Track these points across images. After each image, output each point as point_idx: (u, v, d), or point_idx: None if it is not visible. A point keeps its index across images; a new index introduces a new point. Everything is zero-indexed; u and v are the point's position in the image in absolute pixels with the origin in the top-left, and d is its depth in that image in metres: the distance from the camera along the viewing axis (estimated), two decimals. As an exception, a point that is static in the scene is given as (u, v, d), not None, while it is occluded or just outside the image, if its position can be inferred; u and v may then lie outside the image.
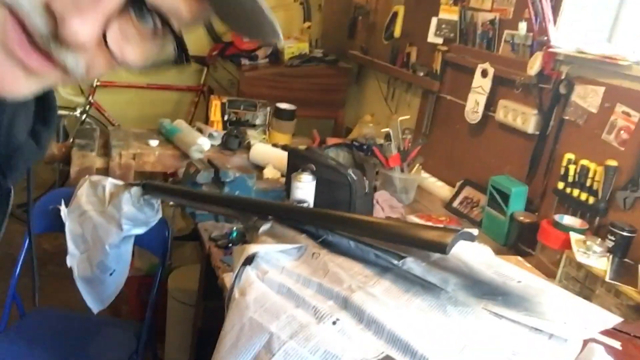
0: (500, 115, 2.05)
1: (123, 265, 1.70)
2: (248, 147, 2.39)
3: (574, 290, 1.43)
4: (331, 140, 2.46)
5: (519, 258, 1.68)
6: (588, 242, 1.54)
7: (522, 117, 1.96)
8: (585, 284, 1.49)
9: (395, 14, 2.82)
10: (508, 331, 0.88)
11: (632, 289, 1.40)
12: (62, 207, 1.71)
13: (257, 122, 2.65)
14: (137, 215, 1.60)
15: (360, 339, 0.86)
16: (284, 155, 2.19)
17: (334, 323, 0.88)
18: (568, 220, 1.68)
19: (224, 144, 2.38)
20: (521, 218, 1.83)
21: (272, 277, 1.00)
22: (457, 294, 0.97)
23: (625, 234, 1.52)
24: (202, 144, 2.22)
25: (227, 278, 1.49)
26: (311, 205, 1.68)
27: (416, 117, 2.64)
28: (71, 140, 2.41)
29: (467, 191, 2.21)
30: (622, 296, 1.40)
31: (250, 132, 2.51)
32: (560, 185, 1.76)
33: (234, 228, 1.68)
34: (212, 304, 2.10)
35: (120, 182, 1.67)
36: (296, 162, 1.87)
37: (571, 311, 0.96)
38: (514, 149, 2.03)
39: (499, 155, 2.11)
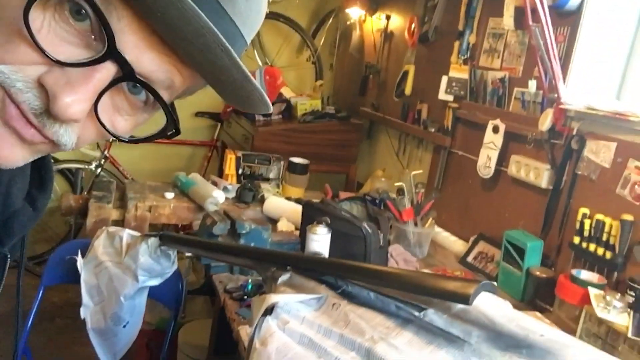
0: (512, 170, 2.07)
1: (137, 317, 1.68)
2: (262, 200, 2.41)
3: (595, 347, 1.40)
4: (344, 194, 2.48)
5: (538, 314, 1.66)
6: (608, 297, 1.52)
7: (534, 172, 1.98)
8: (607, 341, 1.46)
9: (406, 73, 2.91)
10: (535, 385, 0.86)
11: (656, 346, 1.37)
12: (79, 258, 1.72)
13: (271, 175, 2.69)
14: (153, 266, 1.60)
15: (384, 391, 0.84)
16: (297, 208, 2.21)
17: (357, 374, 0.87)
18: (586, 275, 1.66)
19: (238, 197, 2.40)
20: (538, 273, 1.82)
21: (293, 327, 0.99)
22: (480, 347, 0.95)
23: (645, 289, 1.50)
24: (217, 197, 2.24)
25: (243, 331, 1.48)
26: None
27: (428, 172, 2.67)
28: (86, 192, 2.45)
29: (481, 246, 2.20)
30: (646, 353, 1.37)
31: (264, 186, 2.54)
32: (576, 239, 1.76)
33: (249, 280, 1.67)
34: (223, 360, 2.07)
35: (137, 233, 1.68)
36: (311, 215, 1.89)
37: (597, 365, 0.94)
38: (528, 203, 2.04)
39: (513, 210, 2.12)
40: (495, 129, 2.17)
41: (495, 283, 1.27)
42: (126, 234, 1.70)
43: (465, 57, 2.44)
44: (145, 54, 0.44)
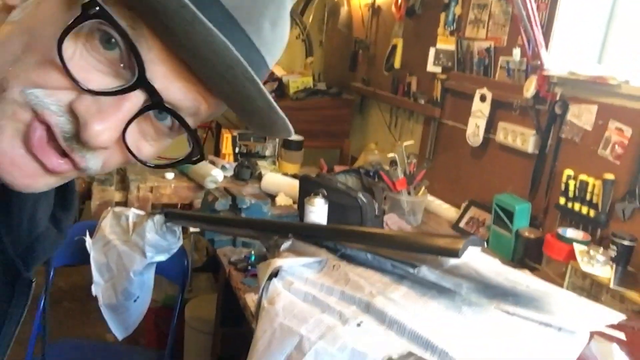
0: (500, 137, 2.15)
1: (146, 291, 1.76)
2: (259, 177, 2.48)
3: (580, 298, 1.50)
4: (339, 168, 2.56)
5: (527, 271, 1.74)
6: (591, 252, 1.61)
7: (521, 137, 2.05)
8: (591, 292, 1.55)
9: (394, 47, 2.96)
10: (519, 326, 0.95)
11: (636, 294, 1.47)
12: (87, 238, 1.79)
13: (267, 153, 2.75)
14: (159, 242, 1.67)
15: (383, 338, 0.92)
16: (294, 183, 2.28)
17: (358, 325, 0.95)
18: (571, 233, 1.75)
19: (236, 175, 2.47)
20: (526, 234, 1.91)
21: (298, 287, 1.07)
22: (470, 296, 1.04)
23: (626, 243, 1.59)
24: (216, 175, 2.31)
25: (249, 298, 1.56)
26: (325, 227, 1.75)
27: (419, 143, 2.74)
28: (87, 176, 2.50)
29: (473, 211, 2.29)
30: (627, 301, 1.47)
31: (261, 163, 2.61)
32: (562, 200, 1.84)
33: (252, 252, 1.75)
34: (230, 331, 2.16)
35: (142, 212, 1.75)
36: (308, 188, 1.96)
37: (578, 308, 1.03)
38: (516, 168, 2.12)
39: (502, 175, 2.20)
40: (483, 98, 2.24)
41: (482, 238, 1.36)
42: (132, 213, 1.77)
43: (452, 28, 2.49)
44: (173, 84, 0.44)
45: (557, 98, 1.90)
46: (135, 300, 1.74)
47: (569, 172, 1.83)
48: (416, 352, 0.92)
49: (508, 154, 2.16)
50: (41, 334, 1.99)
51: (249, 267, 1.68)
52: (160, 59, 0.43)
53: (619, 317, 1.07)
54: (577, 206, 1.79)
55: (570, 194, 1.81)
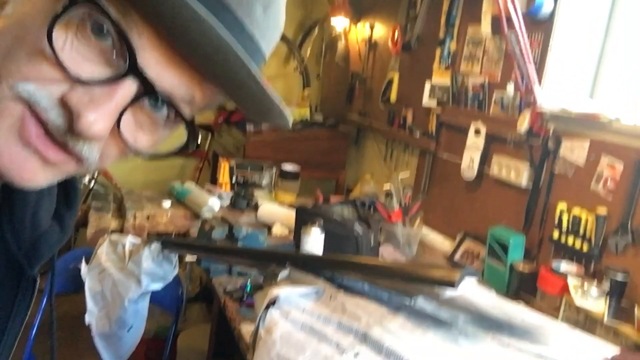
0: (494, 170, 2.18)
1: (140, 320, 1.75)
2: (256, 206, 2.49)
3: (575, 332, 1.50)
4: (335, 199, 2.58)
5: (522, 303, 1.75)
6: (585, 286, 1.62)
7: (515, 171, 2.08)
8: (585, 326, 1.56)
9: (390, 81, 3.02)
10: (515, 357, 0.96)
11: (630, 329, 1.47)
12: (83, 265, 1.79)
13: (264, 182, 2.77)
14: (156, 270, 1.67)
15: (380, 368, 0.93)
16: (290, 213, 2.29)
17: (355, 355, 0.96)
18: (565, 266, 1.76)
19: (232, 204, 2.48)
20: (520, 267, 1.92)
21: (295, 316, 1.08)
22: (466, 328, 1.05)
23: (619, 279, 1.60)
24: (213, 205, 2.32)
25: (244, 328, 1.55)
26: (321, 257, 1.76)
27: (415, 175, 2.77)
28: (83, 203, 2.51)
29: (467, 244, 2.30)
30: (621, 336, 1.47)
31: (257, 192, 2.63)
32: (556, 234, 1.86)
33: (248, 281, 1.75)
34: (223, 362, 2.14)
35: (139, 240, 1.76)
36: (304, 218, 1.97)
37: (573, 341, 1.04)
38: (510, 201, 2.15)
39: (496, 208, 2.22)
40: (477, 132, 2.28)
41: (476, 270, 1.37)
42: (128, 241, 1.78)
43: (447, 63, 2.55)
44: (166, 71, 0.44)
45: (550, 133, 1.94)
46: (129, 330, 1.73)
47: (562, 206, 1.85)
48: (413, 383, 0.93)
49: (502, 188, 2.18)
50: (32, 363, 1.96)
51: (245, 297, 1.68)
52: (152, 46, 0.42)
53: (613, 350, 1.08)
54: (570, 240, 1.81)
55: (564, 228, 1.83)
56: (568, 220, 1.82)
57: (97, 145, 0.45)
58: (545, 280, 1.76)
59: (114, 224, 2.25)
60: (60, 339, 3.20)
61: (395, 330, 1.04)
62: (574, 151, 1.86)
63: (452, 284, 1.02)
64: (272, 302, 1.16)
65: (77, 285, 1.90)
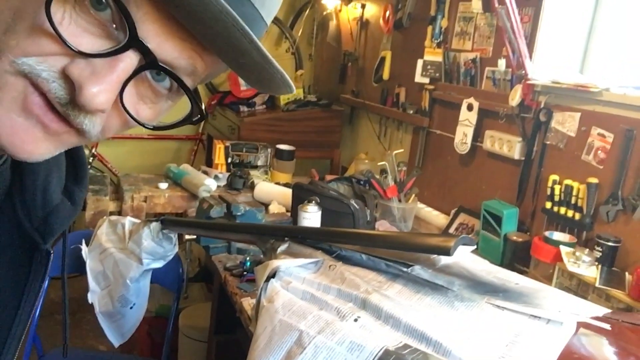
0: (487, 144, 2.21)
1: (142, 298, 1.78)
2: (252, 186, 2.52)
3: (567, 297, 1.54)
4: (330, 178, 2.60)
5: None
6: (577, 253, 1.66)
7: (507, 144, 2.11)
8: (577, 292, 1.60)
9: (383, 59, 3.02)
10: (510, 319, 0.99)
11: (621, 293, 1.51)
12: (83, 247, 1.81)
13: (259, 163, 2.79)
14: (156, 249, 1.70)
15: (380, 331, 0.96)
16: (287, 192, 2.32)
17: (355, 320, 0.98)
18: (558, 236, 1.80)
19: (229, 185, 2.50)
20: (514, 238, 1.96)
21: (295, 286, 1.11)
22: (462, 292, 1.08)
23: (610, 244, 1.64)
24: (210, 185, 2.34)
25: (245, 302, 1.59)
26: (318, 233, 1.79)
27: (409, 152, 2.80)
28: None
29: (462, 218, 2.34)
30: (612, 300, 1.52)
31: (253, 173, 2.65)
32: (548, 204, 1.90)
33: (247, 258, 1.78)
34: (225, 338, 2.18)
35: (138, 220, 1.78)
36: (301, 195, 2.00)
37: (565, 302, 1.08)
38: (503, 174, 2.18)
39: (489, 182, 2.26)
40: (470, 107, 2.30)
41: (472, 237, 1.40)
42: (128, 221, 1.80)
43: (439, 40, 2.56)
44: (167, 42, 0.44)
45: (542, 106, 1.97)
46: (131, 307, 1.76)
47: (554, 177, 1.88)
48: (412, 344, 0.96)
49: (495, 161, 2.21)
50: (36, 345, 1.99)
51: (245, 273, 1.71)
52: (151, 17, 0.42)
53: (603, 310, 1.12)
54: (562, 210, 1.85)
55: (556, 198, 1.87)
56: (560, 191, 1.86)
57: (100, 118, 0.45)
58: (538, 249, 1.80)
59: (112, 206, 2.27)
60: (59, 322, 3.22)
61: (394, 296, 1.07)
62: (565, 123, 1.89)
63: (447, 251, 1.05)
64: (273, 274, 1.19)
65: (78, 266, 1.92)
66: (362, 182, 2.41)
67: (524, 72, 2.00)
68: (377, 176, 2.41)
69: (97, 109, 0.43)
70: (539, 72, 1.99)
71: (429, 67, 2.61)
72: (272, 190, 2.44)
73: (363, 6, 3.32)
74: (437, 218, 2.45)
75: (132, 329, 1.82)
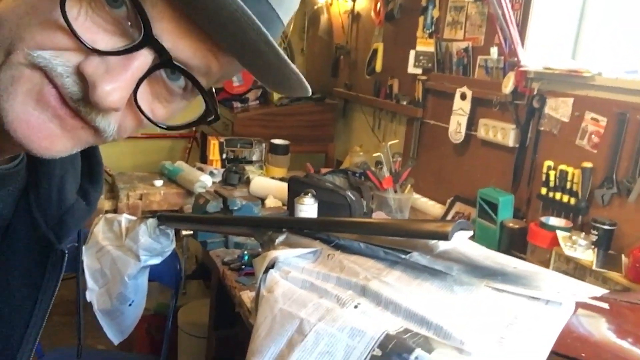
0: (481, 132, 2.21)
1: (141, 295, 1.78)
2: (247, 181, 2.51)
3: (565, 281, 1.55)
4: (325, 170, 2.60)
5: (513, 259, 1.80)
6: (574, 238, 1.67)
7: (501, 132, 2.12)
8: (575, 275, 1.61)
9: (375, 51, 3.02)
10: (509, 301, 1.00)
11: (618, 275, 1.53)
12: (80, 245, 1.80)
13: (254, 158, 2.79)
14: (153, 245, 1.69)
15: (380, 317, 0.96)
16: (283, 186, 2.31)
17: (355, 307, 0.99)
18: (554, 221, 1.81)
19: (224, 180, 2.50)
20: (510, 225, 1.96)
21: (295, 275, 1.11)
22: (461, 277, 1.08)
23: (606, 227, 1.65)
24: (205, 181, 2.34)
25: (245, 295, 1.59)
26: (315, 225, 1.79)
27: (403, 143, 2.80)
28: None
29: (458, 207, 2.35)
30: (609, 282, 1.53)
31: (248, 168, 2.64)
32: (543, 190, 1.91)
33: (245, 252, 1.78)
34: (224, 334, 2.18)
35: (134, 217, 1.77)
36: (297, 189, 2.00)
37: (564, 284, 1.08)
38: (498, 162, 2.19)
39: (484, 170, 2.26)
40: (463, 96, 2.30)
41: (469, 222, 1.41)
42: (124, 218, 1.79)
43: (430, 31, 2.56)
44: (182, 41, 0.43)
45: (535, 93, 1.97)
46: (130, 304, 1.75)
47: (549, 163, 1.89)
48: (412, 328, 0.97)
49: (490, 149, 2.22)
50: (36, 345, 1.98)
51: (243, 267, 1.71)
52: (166, 16, 0.42)
53: (601, 290, 1.13)
54: (558, 195, 1.85)
55: (551, 184, 1.87)
56: (555, 176, 1.86)
57: (114, 116, 0.45)
58: (535, 235, 1.81)
59: (107, 204, 2.26)
60: (59, 323, 3.23)
61: (393, 283, 1.07)
62: (559, 109, 1.89)
63: (445, 236, 1.05)
64: (272, 265, 1.19)
65: (75, 265, 1.92)
66: (357, 174, 2.41)
67: (516, 59, 2.01)
68: (373, 168, 2.41)
69: (110, 107, 0.42)
70: (531, 59, 1.99)
71: (421, 57, 2.61)
72: (267, 185, 2.44)
73: (354, -1, 3.32)
74: (433, 208, 2.45)
75: (132, 326, 1.82)
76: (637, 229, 1.62)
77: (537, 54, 2.01)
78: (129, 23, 0.42)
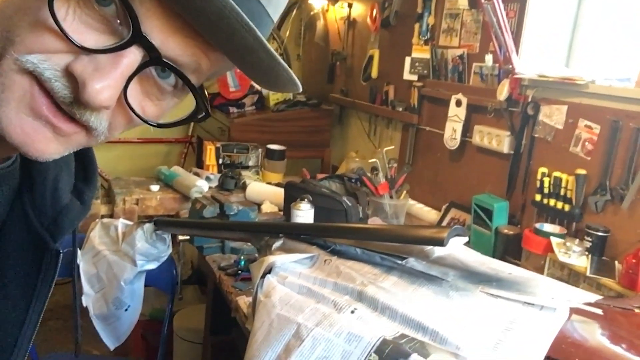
0: (476, 139, 2.23)
1: (137, 300, 1.78)
2: (243, 187, 2.52)
3: (559, 287, 1.57)
4: (321, 176, 2.61)
5: (507, 265, 1.81)
6: (568, 244, 1.68)
7: (496, 139, 2.13)
8: (569, 281, 1.62)
9: (371, 57, 3.04)
10: (504, 306, 1.01)
11: (611, 281, 1.54)
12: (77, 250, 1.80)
13: (250, 163, 2.80)
14: (150, 250, 1.70)
15: (377, 322, 0.97)
16: (278, 191, 2.32)
17: (352, 312, 0.99)
18: (548, 227, 1.83)
19: (220, 185, 2.50)
20: (505, 231, 1.98)
21: (292, 280, 1.12)
22: (456, 282, 1.09)
23: (600, 234, 1.67)
24: (201, 186, 2.34)
25: (241, 300, 1.59)
26: (312, 230, 1.80)
27: (399, 149, 2.82)
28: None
29: (453, 213, 2.36)
30: (603, 288, 1.54)
31: (245, 173, 2.65)
32: (538, 197, 1.92)
33: (241, 257, 1.79)
34: (220, 339, 2.18)
35: (131, 222, 1.78)
36: (293, 194, 2.01)
37: (558, 290, 1.10)
38: (492, 168, 2.20)
39: (479, 176, 2.28)
40: (458, 103, 2.32)
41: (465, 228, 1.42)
42: (120, 223, 1.79)
43: (426, 38, 2.58)
44: (171, 38, 0.43)
45: (529, 100, 1.99)
46: (126, 310, 1.76)
47: (543, 169, 1.91)
48: (409, 333, 0.97)
49: (485, 156, 2.24)
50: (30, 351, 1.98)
51: (239, 272, 1.71)
52: (155, 13, 0.42)
53: (595, 296, 1.14)
54: (552, 202, 1.87)
55: (546, 191, 1.89)
56: (549, 183, 1.88)
57: (105, 114, 0.45)
58: (529, 241, 1.83)
59: (103, 209, 2.26)
60: (55, 328, 3.22)
61: (389, 288, 1.08)
62: (553, 116, 1.91)
63: (440, 242, 1.06)
64: (269, 270, 1.20)
65: (71, 270, 1.92)
66: (353, 180, 2.42)
67: (510, 66, 2.02)
68: (368, 174, 2.42)
69: (101, 105, 0.43)
70: (526, 66, 2.01)
71: (417, 64, 2.63)
72: (264, 190, 2.44)
73: (350, 5, 3.34)
74: (429, 214, 2.47)
75: (128, 332, 1.82)
76: (631, 235, 1.64)
77: (531, 61, 2.03)
78: (118, 21, 0.42)
